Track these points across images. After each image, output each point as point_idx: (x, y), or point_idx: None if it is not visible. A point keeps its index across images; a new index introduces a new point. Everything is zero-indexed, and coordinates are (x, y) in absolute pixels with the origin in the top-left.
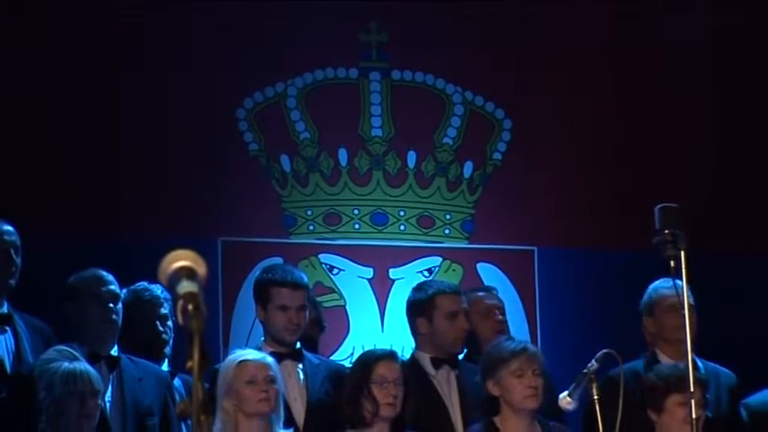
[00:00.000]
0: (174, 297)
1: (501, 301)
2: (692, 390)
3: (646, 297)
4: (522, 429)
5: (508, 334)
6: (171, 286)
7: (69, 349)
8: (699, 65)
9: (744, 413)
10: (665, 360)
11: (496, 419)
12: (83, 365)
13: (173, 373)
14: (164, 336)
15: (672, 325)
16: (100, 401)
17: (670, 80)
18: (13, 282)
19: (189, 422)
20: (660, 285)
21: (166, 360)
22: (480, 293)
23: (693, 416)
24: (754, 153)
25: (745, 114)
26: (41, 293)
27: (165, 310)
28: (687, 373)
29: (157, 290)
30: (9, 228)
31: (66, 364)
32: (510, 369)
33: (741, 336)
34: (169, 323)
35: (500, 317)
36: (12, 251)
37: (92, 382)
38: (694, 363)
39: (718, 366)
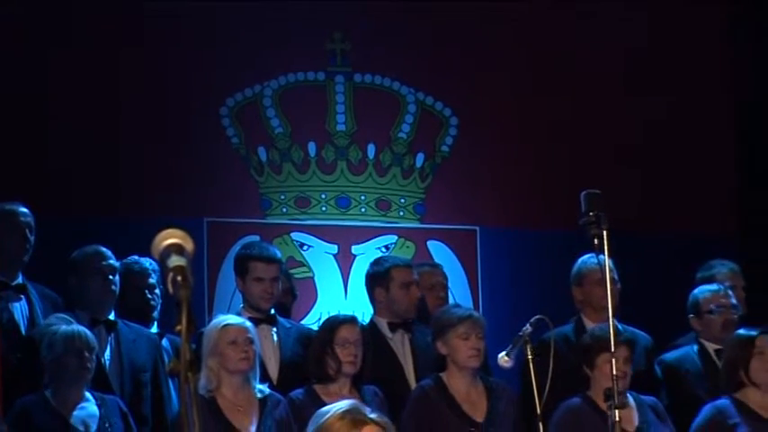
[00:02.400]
0: (165, 270)
1: (446, 277)
2: (613, 349)
3: (575, 270)
4: (465, 384)
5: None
6: (162, 260)
7: (65, 316)
8: (620, 65)
9: (658, 369)
10: (589, 324)
11: (443, 375)
12: (79, 327)
13: (161, 335)
14: (152, 302)
15: (598, 295)
16: (95, 357)
17: (598, 79)
18: (27, 257)
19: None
20: (588, 260)
21: (155, 323)
22: (426, 268)
23: (624, 370)
24: (666, 147)
25: (660, 111)
26: (48, 266)
27: (152, 280)
28: (615, 334)
29: (146, 262)
30: (25, 210)
31: (64, 327)
32: (457, 332)
33: (655, 302)
34: (156, 291)
35: (441, 293)
36: (27, 231)
37: (88, 340)
38: (616, 326)
39: (636, 329)
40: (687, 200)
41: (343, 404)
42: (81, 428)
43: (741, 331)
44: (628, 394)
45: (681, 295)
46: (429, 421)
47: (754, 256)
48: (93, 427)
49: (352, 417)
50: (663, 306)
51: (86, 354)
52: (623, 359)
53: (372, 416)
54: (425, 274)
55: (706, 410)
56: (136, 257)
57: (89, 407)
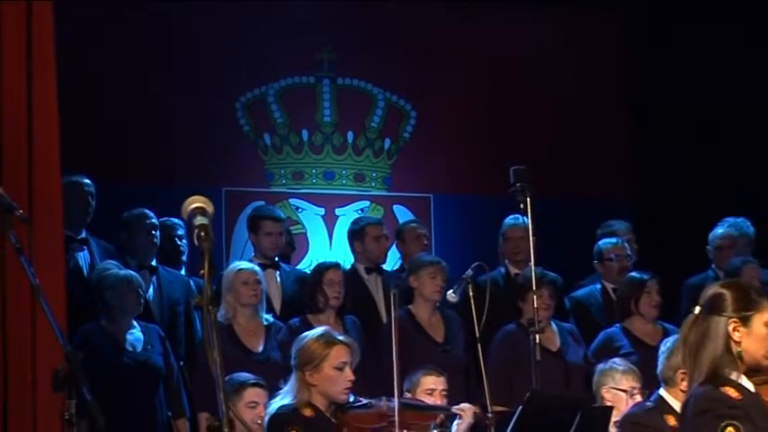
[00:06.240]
0: (191, 227)
1: (427, 230)
2: (534, 288)
3: (502, 228)
4: (428, 313)
5: (430, 253)
6: (189, 220)
7: (115, 263)
8: (546, 65)
9: (568, 302)
10: (513, 270)
11: (411, 307)
12: (130, 271)
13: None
14: (180, 248)
15: (520, 247)
16: (144, 293)
17: (528, 77)
18: (89, 218)
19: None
20: (510, 222)
21: (184, 267)
22: (413, 224)
23: (548, 303)
24: (581, 131)
25: (569, 105)
26: (104, 222)
27: (180, 231)
28: (541, 276)
29: (175, 220)
30: (88, 180)
31: (120, 272)
32: (428, 271)
33: (563, 252)
34: (184, 240)
35: (425, 242)
36: (89, 198)
37: (139, 280)
38: (542, 271)
39: (549, 272)
40: (592, 173)
41: (318, 330)
42: (130, 349)
43: (635, 274)
44: (552, 322)
45: (585, 246)
46: (401, 342)
47: (643, 217)
48: (140, 347)
49: (325, 339)
50: (570, 255)
51: (140, 291)
52: (548, 295)
53: (341, 338)
54: (411, 229)
55: (600, 336)
56: (167, 218)
57: (135, 332)
